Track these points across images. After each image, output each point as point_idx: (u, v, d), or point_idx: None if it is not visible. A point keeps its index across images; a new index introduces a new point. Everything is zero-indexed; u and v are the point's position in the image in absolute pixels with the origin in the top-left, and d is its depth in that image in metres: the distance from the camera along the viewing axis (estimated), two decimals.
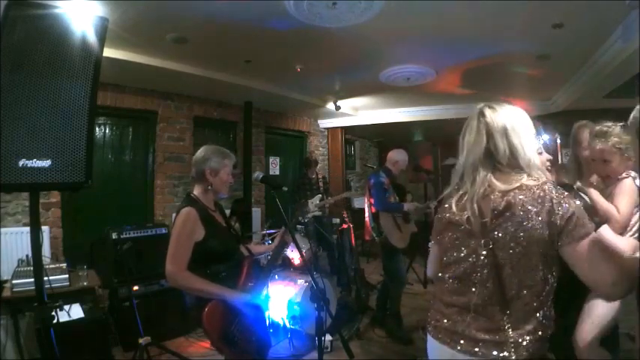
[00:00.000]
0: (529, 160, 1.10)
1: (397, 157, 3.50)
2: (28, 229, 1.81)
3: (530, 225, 1.01)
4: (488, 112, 1.15)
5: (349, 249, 4.84)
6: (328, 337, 3.08)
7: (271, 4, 2.60)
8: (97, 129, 4.14)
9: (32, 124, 1.38)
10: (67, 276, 2.85)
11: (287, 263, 4.02)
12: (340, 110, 5.82)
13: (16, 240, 3.32)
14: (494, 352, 1.02)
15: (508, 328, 1.02)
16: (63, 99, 1.45)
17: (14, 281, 2.63)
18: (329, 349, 3.07)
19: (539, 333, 1.03)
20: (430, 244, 1.34)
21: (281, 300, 3.28)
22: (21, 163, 1.36)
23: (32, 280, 1.64)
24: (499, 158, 1.10)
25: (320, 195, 4.99)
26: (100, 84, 1.60)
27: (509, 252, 1.03)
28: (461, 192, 1.16)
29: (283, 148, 6.59)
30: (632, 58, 2.96)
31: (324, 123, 7.09)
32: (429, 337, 1.21)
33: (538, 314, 1.03)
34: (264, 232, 4.24)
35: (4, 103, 1.31)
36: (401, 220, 3.45)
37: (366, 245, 6.52)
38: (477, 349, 1.04)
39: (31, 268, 2.05)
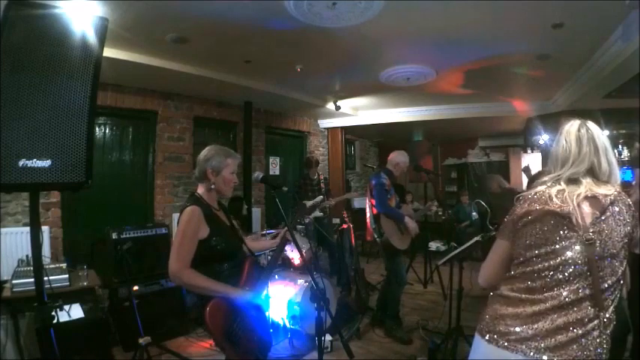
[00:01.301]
0: (617, 177, 1.22)
1: (398, 158, 3.49)
2: (28, 229, 1.82)
3: (623, 220, 1.13)
4: (591, 126, 1.24)
5: (349, 249, 4.85)
6: (328, 337, 3.08)
7: (271, 4, 2.60)
8: (97, 129, 4.14)
9: (32, 124, 1.39)
10: (67, 276, 2.84)
11: (287, 263, 4.03)
12: (340, 110, 5.83)
13: (16, 240, 3.32)
14: (575, 352, 1.06)
15: (597, 320, 1.08)
16: (63, 99, 1.46)
17: (14, 281, 2.63)
18: (329, 349, 3.07)
19: (613, 322, 1.11)
20: (495, 243, 1.31)
21: (281, 300, 3.28)
22: (21, 163, 1.36)
23: (32, 280, 1.65)
24: (600, 174, 1.19)
25: (321, 196, 4.99)
26: (100, 84, 1.60)
27: (608, 243, 1.10)
28: (558, 187, 1.19)
29: (283, 148, 6.59)
30: (632, 58, 2.96)
31: (324, 123, 7.09)
32: (488, 345, 1.17)
33: (615, 304, 1.12)
34: (265, 232, 4.25)
35: (5, 103, 1.32)
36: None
37: (367, 245, 6.54)
38: (556, 353, 1.06)
39: (31, 268, 2.05)
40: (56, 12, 1.43)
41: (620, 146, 5.89)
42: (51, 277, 2.22)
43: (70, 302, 2.71)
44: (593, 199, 1.15)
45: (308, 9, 2.65)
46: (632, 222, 1.15)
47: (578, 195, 1.15)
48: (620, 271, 1.12)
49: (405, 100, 5.74)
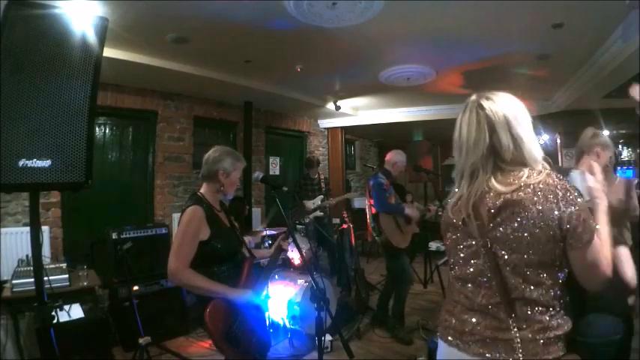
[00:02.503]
0: (532, 153, 1.04)
1: (395, 158, 3.51)
2: (28, 229, 1.82)
3: (532, 223, 0.97)
4: (486, 103, 1.07)
5: (349, 249, 4.85)
6: (328, 337, 3.08)
7: (271, 4, 2.60)
8: (97, 129, 4.14)
9: (32, 124, 1.38)
10: (67, 276, 2.85)
11: (287, 263, 4.03)
12: (340, 110, 5.83)
13: (16, 240, 3.32)
14: (503, 355, 0.99)
15: (514, 328, 0.98)
16: (63, 99, 1.45)
17: (14, 281, 2.63)
18: (329, 349, 3.07)
19: (549, 333, 0.98)
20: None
21: (281, 300, 3.28)
22: (21, 163, 1.36)
23: (32, 280, 1.64)
24: (502, 154, 1.04)
25: (322, 196, 4.99)
26: (100, 84, 1.60)
27: (510, 251, 1.00)
28: (458, 194, 1.12)
29: (283, 148, 6.59)
30: (632, 58, 2.96)
31: (324, 123, 7.09)
32: (439, 342, 1.16)
33: (547, 313, 0.99)
34: (264, 232, 4.24)
35: (4, 103, 1.31)
36: (402, 220, 3.45)
37: (367, 245, 6.53)
38: (483, 351, 1.02)
39: (31, 268, 2.05)
40: (56, 12, 1.43)
41: (620, 146, 5.90)
42: (51, 277, 2.22)
43: (70, 302, 2.71)
44: (483, 201, 1.04)
45: (308, 9, 2.65)
46: (556, 219, 0.95)
47: (474, 198, 1.05)
48: (545, 272, 0.99)
49: (405, 100, 5.74)
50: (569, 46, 3.32)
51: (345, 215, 4.53)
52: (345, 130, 7.24)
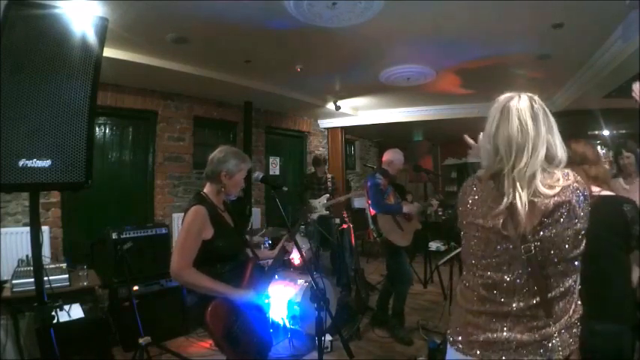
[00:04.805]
0: (562, 156, 1.05)
1: (392, 157, 3.51)
2: (28, 229, 1.82)
3: (575, 218, 1.00)
4: (538, 99, 1.08)
5: (349, 249, 4.84)
6: (328, 337, 3.08)
7: (271, 4, 2.60)
8: (97, 129, 4.14)
9: (32, 124, 1.38)
10: (67, 276, 2.85)
11: (287, 263, 4.03)
12: (340, 110, 5.83)
13: (16, 240, 3.32)
14: (540, 352, 1.00)
15: (552, 324, 1.01)
16: (63, 99, 1.45)
17: (14, 281, 2.63)
18: (329, 349, 3.07)
19: (575, 316, 1.04)
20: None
21: (281, 300, 3.28)
22: (21, 163, 1.36)
23: (32, 280, 1.64)
24: (554, 158, 1.04)
25: (327, 195, 4.98)
26: (100, 84, 1.60)
27: (556, 250, 1.00)
28: (495, 193, 1.06)
29: (283, 148, 6.59)
30: (632, 58, 2.96)
31: (324, 123, 7.10)
32: (456, 354, 1.10)
33: (573, 301, 1.05)
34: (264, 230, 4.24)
35: (4, 103, 1.31)
36: (402, 218, 3.45)
37: (367, 245, 6.54)
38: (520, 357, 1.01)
39: (31, 268, 2.05)
40: (56, 12, 1.43)
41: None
42: (51, 277, 2.21)
43: (70, 302, 2.71)
44: (531, 205, 1.00)
45: (308, 9, 2.65)
46: (585, 217, 1.01)
47: (521, 202, 0.99)
48: (577, 266, 1.04)
49: (405, 100, 5.74)
50: (569, 46, 3.32)
51: (345, 215, 4.53)
52: (345, 130, 7.24)
